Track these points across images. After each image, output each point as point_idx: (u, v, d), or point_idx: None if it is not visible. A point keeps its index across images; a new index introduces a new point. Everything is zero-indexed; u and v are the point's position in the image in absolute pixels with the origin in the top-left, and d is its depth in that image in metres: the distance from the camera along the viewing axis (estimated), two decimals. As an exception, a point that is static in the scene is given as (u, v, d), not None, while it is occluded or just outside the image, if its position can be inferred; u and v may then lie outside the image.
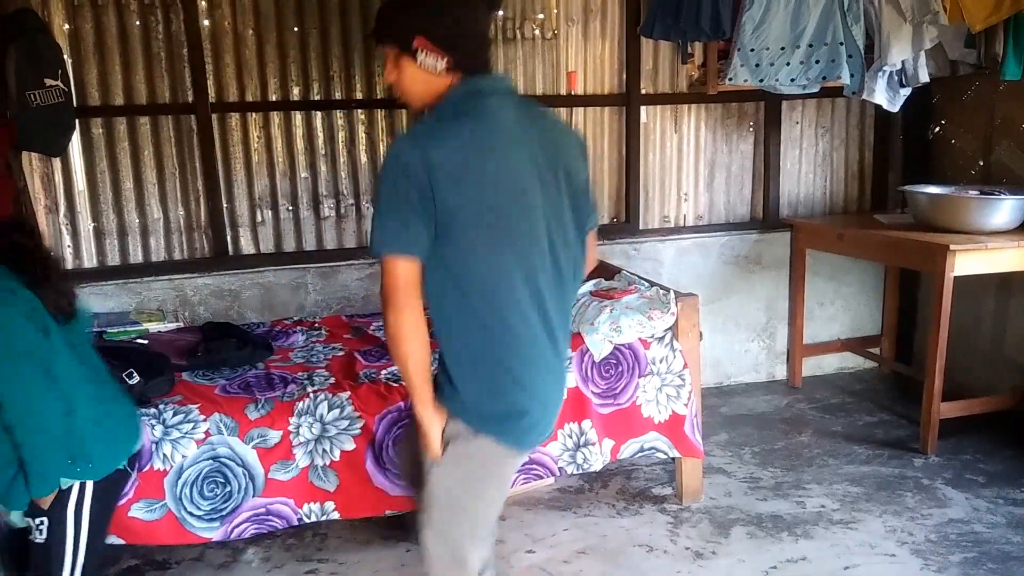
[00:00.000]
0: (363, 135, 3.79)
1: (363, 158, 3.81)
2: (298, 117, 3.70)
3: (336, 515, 2.56)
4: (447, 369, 1.72)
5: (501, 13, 3.85)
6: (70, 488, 1.81)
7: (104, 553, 1.92)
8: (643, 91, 4.08)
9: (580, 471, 2.83)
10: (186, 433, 2.44)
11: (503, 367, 1.69)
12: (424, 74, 1.66)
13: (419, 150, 1.56)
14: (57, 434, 1.75)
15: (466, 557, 1.78)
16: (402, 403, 2.57)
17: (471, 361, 1.69)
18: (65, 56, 3.24)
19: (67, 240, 3.50)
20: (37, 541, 1.81)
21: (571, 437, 2.79)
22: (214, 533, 2.48)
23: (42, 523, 1.80)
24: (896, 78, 3.61)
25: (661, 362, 2.87)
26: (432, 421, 1.71)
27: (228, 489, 2.47)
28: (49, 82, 2.97)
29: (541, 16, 3.92)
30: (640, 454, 2.92)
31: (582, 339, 2.83)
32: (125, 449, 1.90)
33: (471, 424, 1.71)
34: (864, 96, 3.60)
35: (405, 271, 1.60)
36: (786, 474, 3.29)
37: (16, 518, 1.84)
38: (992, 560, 2.65)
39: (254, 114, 3.64)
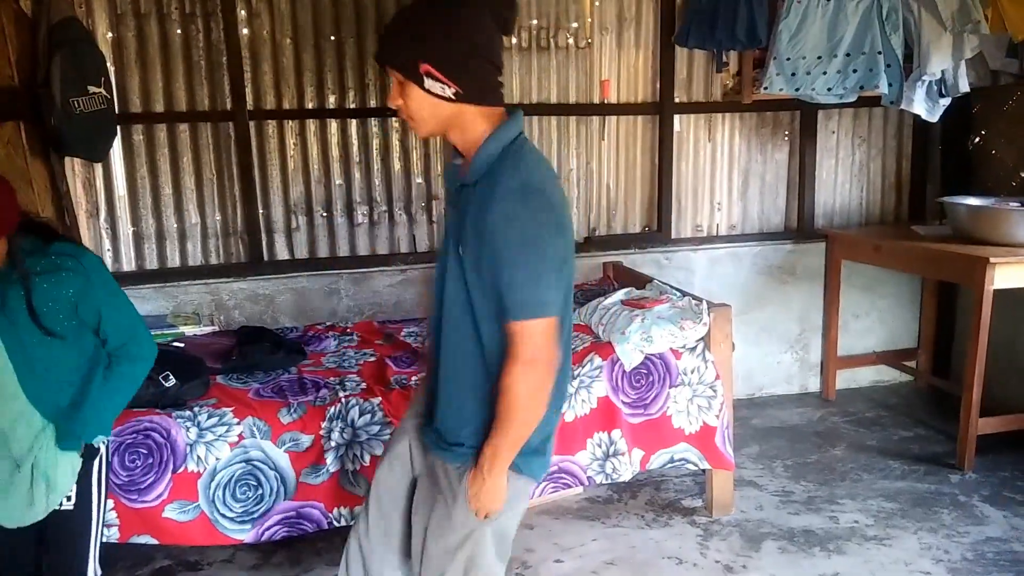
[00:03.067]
0: (397, 143, 3.82)
1: (396, 165, 3.84)
2: (333, 125, 3.74)
3: (366, 520, 2.58)
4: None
5: (535, 22, 3.87)
6: (98, 451, 1.85)
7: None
8: (677, 100, 4.07)
9: (609, 481, 2.82)
10: (220, 436, 2.47)
11: (553, 408, 1.67)
12: (431, 100, 1.56)
13: (545, 189, 1.54)
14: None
15: None
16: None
17: None
18: (108, 64, 3.31)
19: (107, 244, 3.57)
20: (65, 509, 1.82)
21: (600, 447, 2.78)
22: (245, 535, 2.51)
23: (71, 491, 1.82)
24: (935, 88, 3.57)
25: (692, 372, 2.85)
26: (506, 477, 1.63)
27: (260, 492, 2.50)
28: (92, 89, 3.04)
29: (575, 25, 3.92)
30: (670, 465, 2.90)
31: (612, 348, 2.82)
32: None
33: (516, 466, 1.65)
34: (903, 106, 3.56)
35: (555, 330, 1.54)
36: (819, 488, 3.25)
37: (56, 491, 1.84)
38: (1031, 581, 2.59)
39: (290, 122, 3.69)
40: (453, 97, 1.55)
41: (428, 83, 1.54)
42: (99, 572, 1.87)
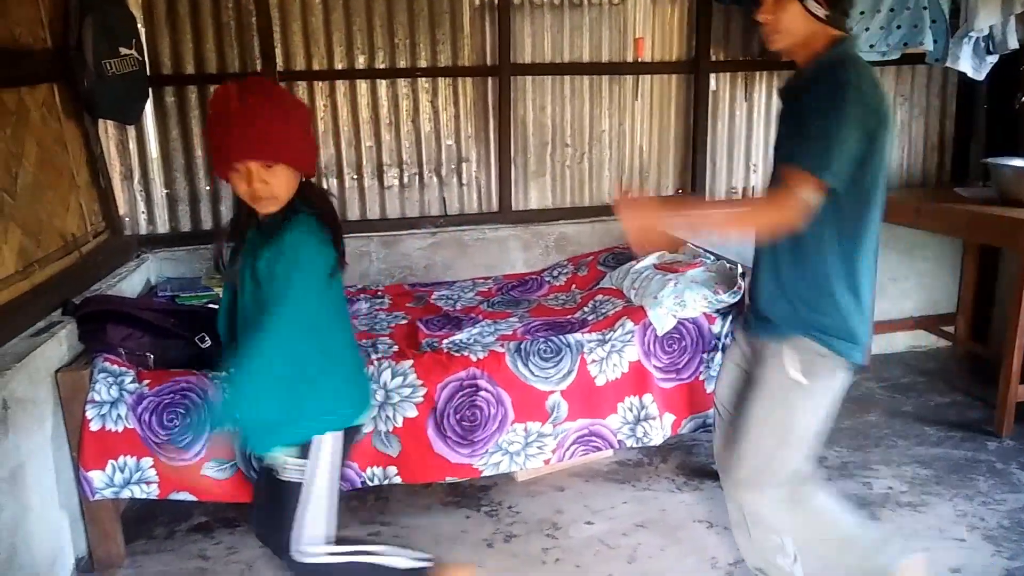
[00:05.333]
0: (427, 104, 3.79)
1: (427, 127, 3.81)
2: (363, 86, 3.71)
3: (398, 480, 2.61)
4: (835, 300, 1.95)
5: (568, -22, 3.79)
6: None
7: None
8: (713, 58, 3.97)
9: (640, 444, 2.82)
10: (255, 397, 2.50)
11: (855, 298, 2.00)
12: (805, 18, 1.85)
13: (874, 95, 1.79)
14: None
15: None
16: (463, 373, 2.59)
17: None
18: (138, 25, 3.31)
19: (141, 206, 3.60)
20: (290, 480, 1.90)
21: (631, 410, 2.78)
22: (281, 494, 2.54)
23: (290, 463, 1.90)
24: (983, 44, 3.44)
25: (726, 337, 2.83)
26: None
27: (294, 452, 2.53)
28: (124, 51, 3.04)
29: (608, -19, 3.84)
30: (702, 430, 2.89)
31: (645, 313, 2.80)
32: (363, 409, 2.04)
33: (835, 350, 1.93)
34: (948, 63, 3.45)
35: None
36: (852, 454, 3.22)
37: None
38: (1070, 549, 2.56)
39: (320, 83, 3.67)
40: (823, 18, 1.84)
41: (809, 3, 1.83)
42: None
